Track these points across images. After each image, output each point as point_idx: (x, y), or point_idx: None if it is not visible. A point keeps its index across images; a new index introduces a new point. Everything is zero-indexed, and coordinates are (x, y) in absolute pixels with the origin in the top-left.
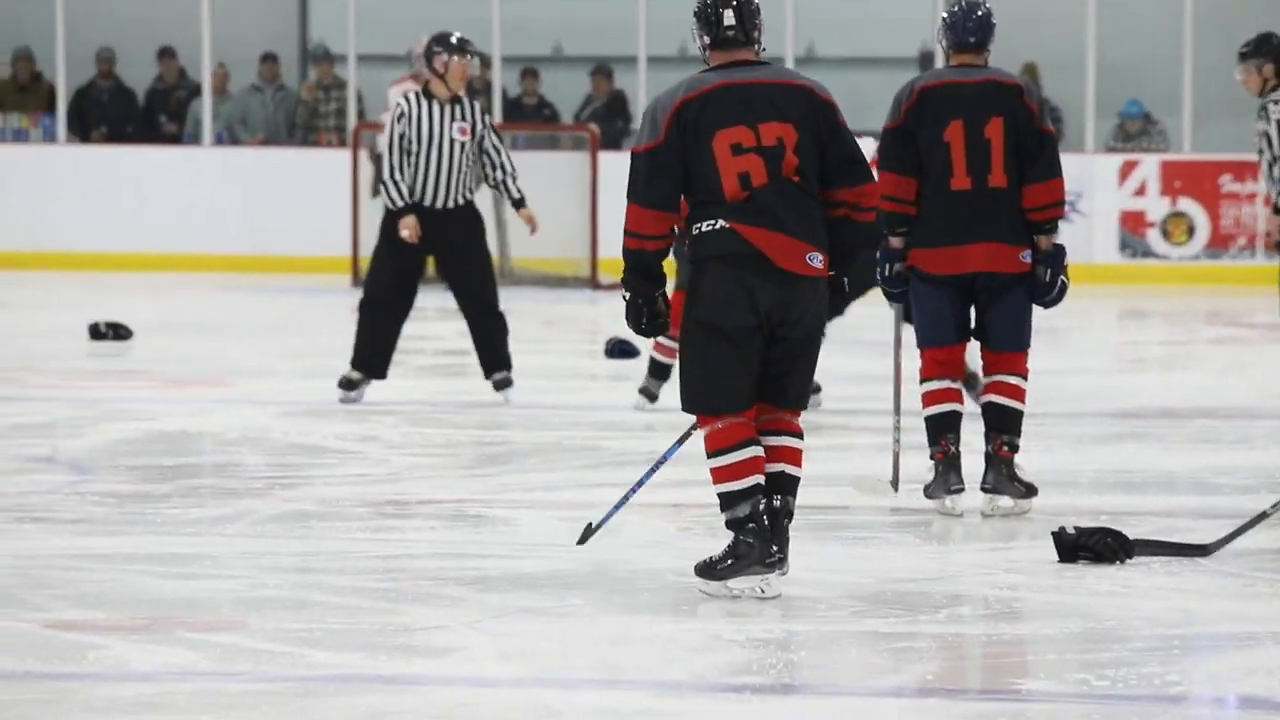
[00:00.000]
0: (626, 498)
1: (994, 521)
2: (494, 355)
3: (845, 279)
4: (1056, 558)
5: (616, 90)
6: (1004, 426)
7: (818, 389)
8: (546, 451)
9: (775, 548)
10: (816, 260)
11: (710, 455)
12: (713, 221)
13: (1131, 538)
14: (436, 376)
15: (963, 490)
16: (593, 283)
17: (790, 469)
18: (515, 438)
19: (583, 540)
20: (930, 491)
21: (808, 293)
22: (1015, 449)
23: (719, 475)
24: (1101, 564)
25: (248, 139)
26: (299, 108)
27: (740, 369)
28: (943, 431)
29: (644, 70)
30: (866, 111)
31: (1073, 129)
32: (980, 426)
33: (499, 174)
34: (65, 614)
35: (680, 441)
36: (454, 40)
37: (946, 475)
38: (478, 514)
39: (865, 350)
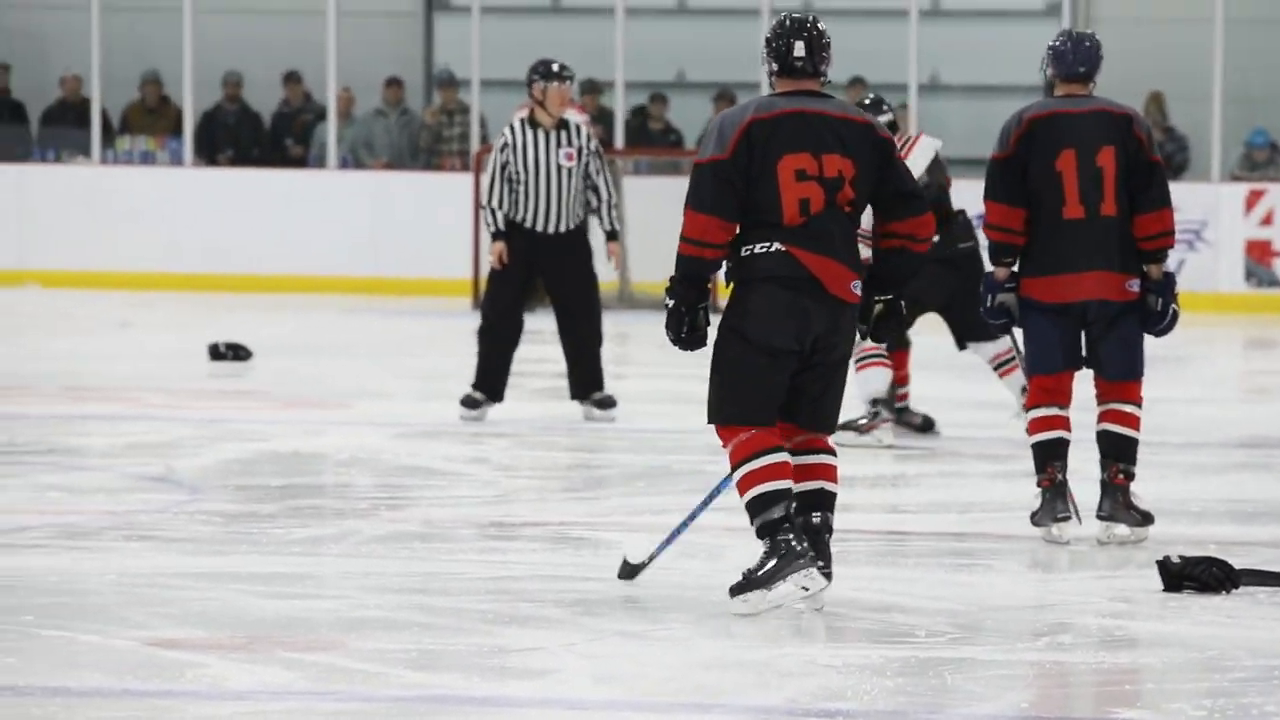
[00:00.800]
0: (675, 534)
1: (1100, 550)
2: (589, 378)
3: (890, 302)
4: (1162, 587)
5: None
6: (1119, 454)
7: (931, 423)
8: (654, 476)
9: (814, 551)
10: (858, 288)
11: (739, 464)
12: (767, 244)
13: (1238, 568)
14: (549, 399)
15: (1069, 518)
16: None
17: (829, 485)
18: (623, 461)
19: (629, 575)
20: (1037, 519)
21: (848, 321)
22: (1131, 476)
23: (749, 481)
24: (1207, 594)
25: (372, 163)
26: (423, 132)
27: (775, 387)
28: (1050, 459)
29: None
30: (992, 139)
31: (1199, 158)
32: (1094, 454)
33: (596, 200)
34: (166, 632)
35: (729, 479)
36: (551, 67)
37: (1053, 503)
38: (580, 537)
39: (980, 377)
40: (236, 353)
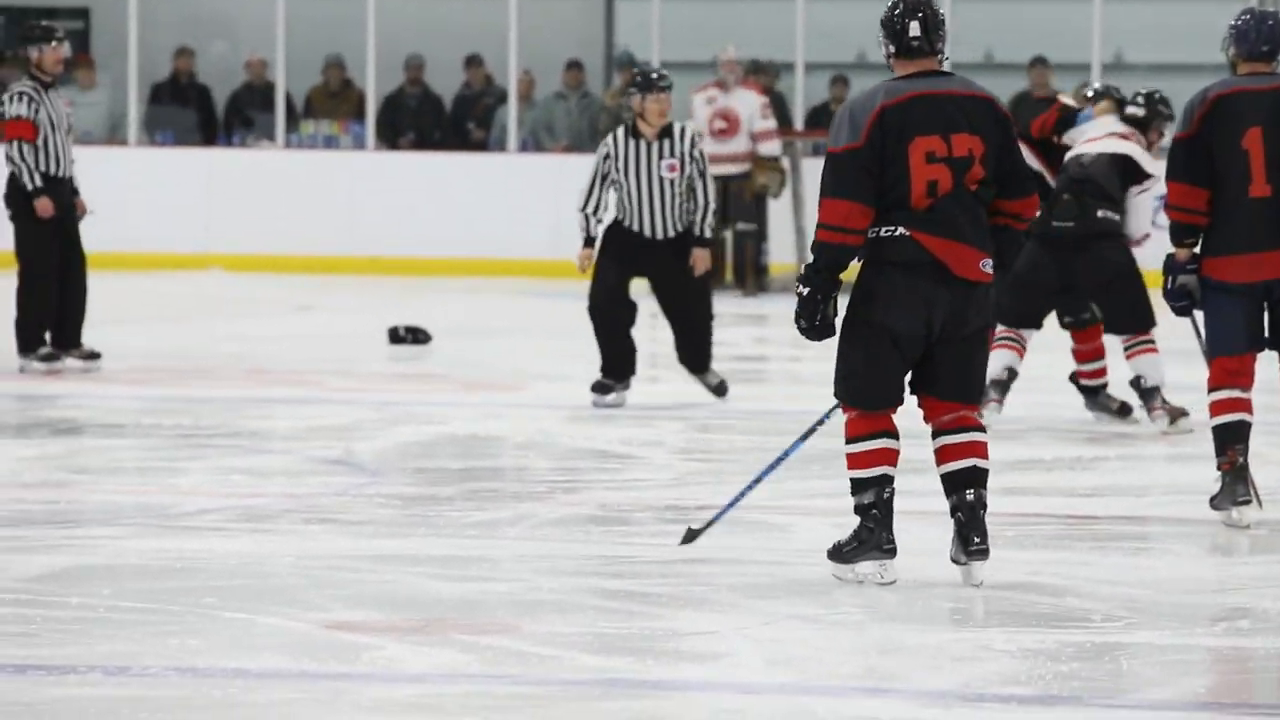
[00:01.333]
0: (739, 498)
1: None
2: (697, 358)
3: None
4: None
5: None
6: None
7: (1129, 409)
8: (829, 459)
9: (890, 537)
10: (988, 266)
11: (847, 442)
12: (892, 228)
13: None
14: (729, 382)
15: (1250, 501)
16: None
17: (981, 462)
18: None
19: (687, 540)
20: (1217, 503)
21: (980, 296)
22: None
23: (853, 462)
24: None
25: (552, 146)
26: (603, 115)
27: (899, 371)
28: (1231, 441)
29: None
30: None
31: None
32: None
33: (694, 207)
34: (342, 614)
35: (804, 438)
36: (649, 77)
37: (1234, 486)
38: (756, 520)
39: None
40: (416, 336)
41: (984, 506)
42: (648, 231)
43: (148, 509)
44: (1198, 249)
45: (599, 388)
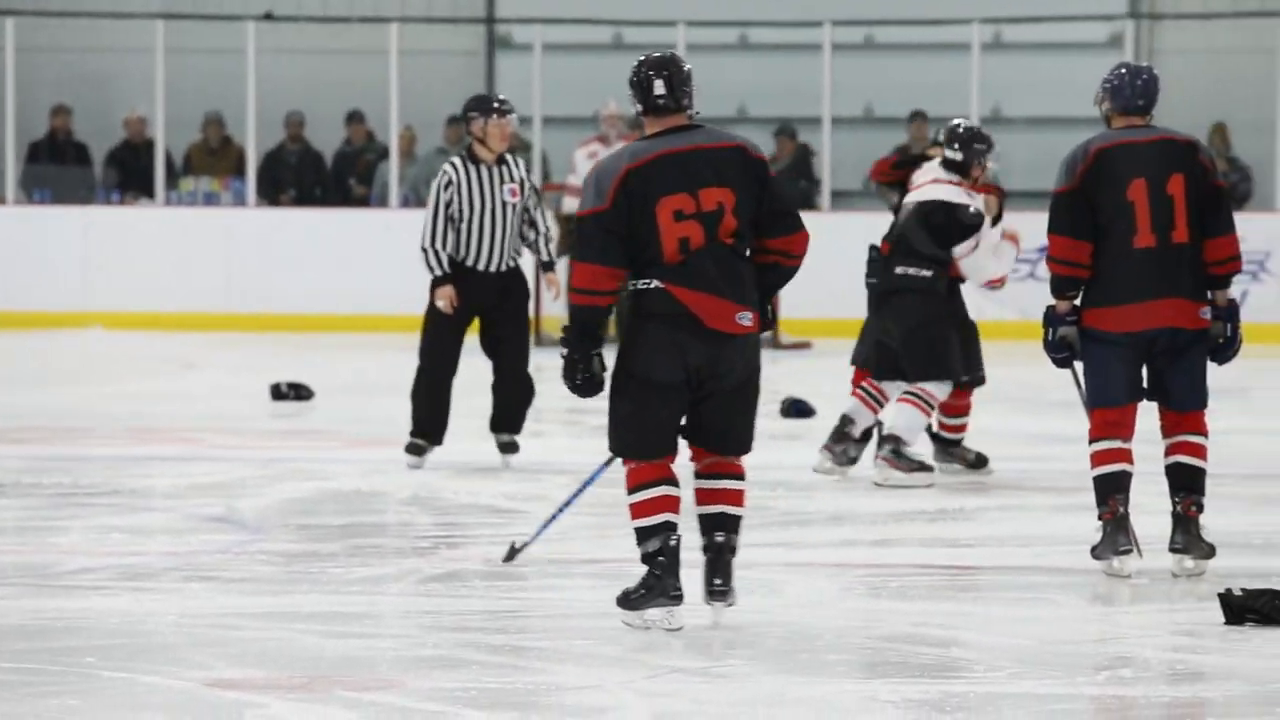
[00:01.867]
0: (553, 518)
1: (1161, 583)
2: (509, 417)
3: (768, 316)
4: (1224, 620)
5: (801, 147)
6: (1192, 486)
7: (984, 460)
8: None
9: (678, 583)
10: (746, 319)
11: (629, 492)
12: (648, 281)
13: None
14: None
15: (1131, 551)
16: (774, 342)
17: (731, 509)
18: (687, 497)
19: (509, 558)
20: (1098, 552)
21: (738, 349)
22: (1202, 509)
23: (634, 511)
24: (1269, 626)
25: None
26: None
27: (666, 420)
28: (1112, 491)
29: (828, 131)
30: (1054, 172)
31: (1262, 189)
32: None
33: (534, 234)
34: (225, 673)
35: (604, 467)
36: (490, 102)
37: (1114, 536)
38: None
39: (1045, 410)
40: (298, 392)
41: (732, 550)
42: (483, 264)
43: (27, 568)
44: (1078, 300)
45: (415, 449)
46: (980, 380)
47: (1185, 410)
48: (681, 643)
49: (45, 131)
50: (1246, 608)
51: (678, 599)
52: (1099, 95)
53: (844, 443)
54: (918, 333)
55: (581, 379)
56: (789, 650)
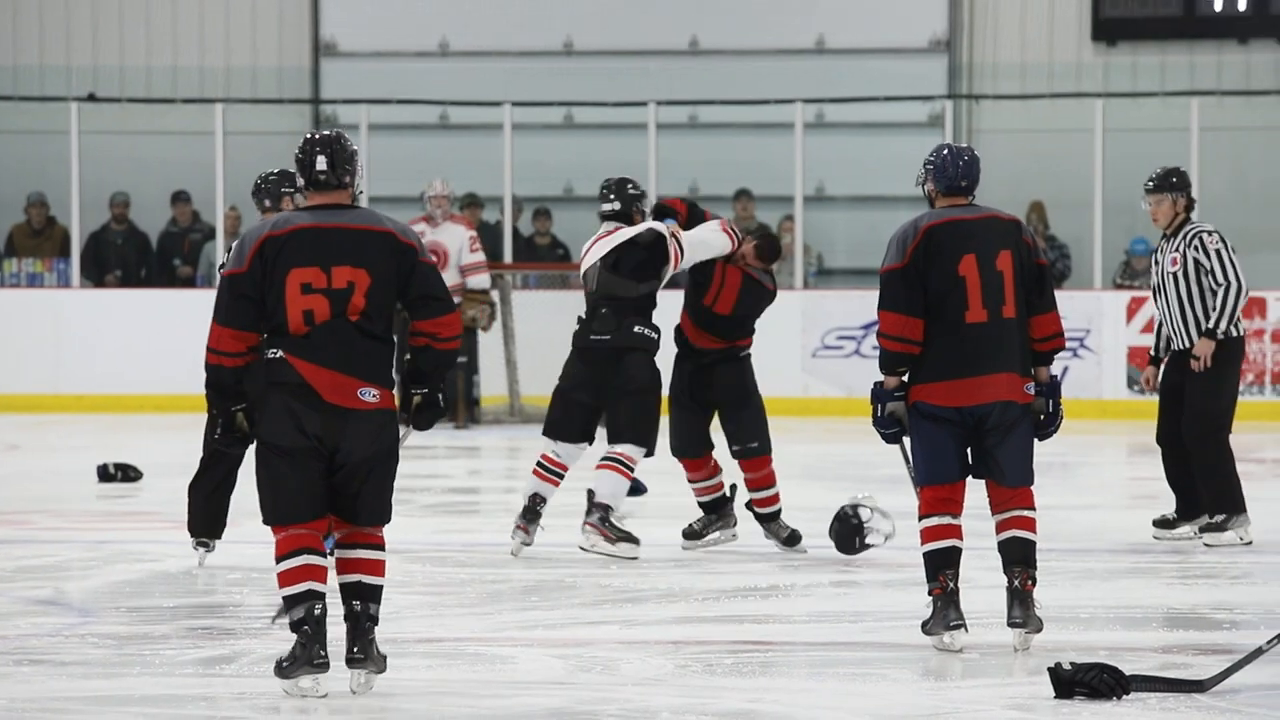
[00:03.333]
0: None
1: (993, 657)
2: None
3: (426, 394)
4: (1054, 693)
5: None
6: (1026, 559)
7: (797, 537)
8: (549, 589)
9: (322, 651)
10: (369, 395)
11: (275, 561)
12: (275, 350)
13: (1128, 673)
14: (441, 515)
15: (961, 625)
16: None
17: (367, 578)
18: (518, 576)
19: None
20: (929, 628)
21: (361, 423)
22: (1036, 582)
23: (279, 580)
24: (1098, 699)
25: None
26: None
27: (298, 485)
28: (942, 567)
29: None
30: (878, 250)
31: (1080, 267)
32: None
33: None
34: None
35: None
36: (297, 180)
37: (945, 611)
38: (476, 652)
39: (871, 486)
40: (126, 473)
41: (370, 619)
42: None
43: None
44: (905, 377)
45: (205, 544)
46: (756, 450)
47: (1015, 485)
48: None
49: None
50: (1076, 681)
51: (321, 667)
52: (921, 176)
53: (535, 521)
54: (636, 396)
55: (221, 434)
56: None
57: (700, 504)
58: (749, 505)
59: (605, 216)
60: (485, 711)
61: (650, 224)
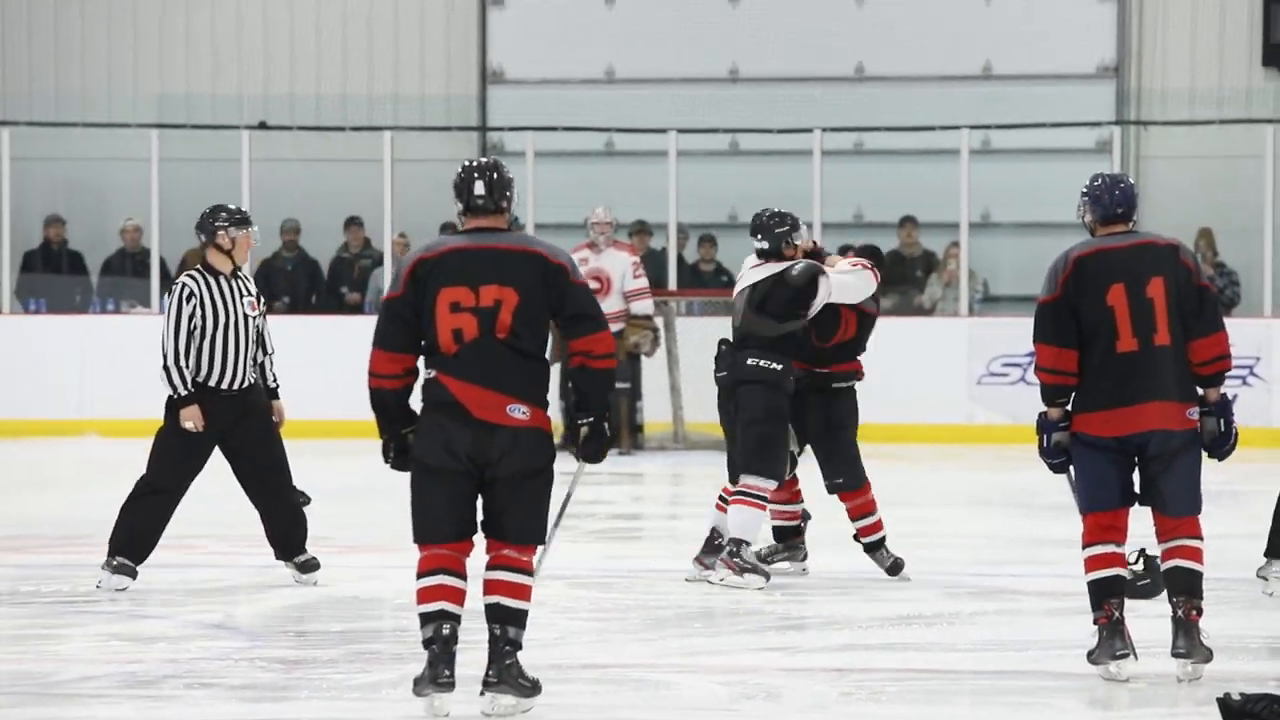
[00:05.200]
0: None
1: (1160, 687)
2: (289, 542)
3: (593, 424)
4: None
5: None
6: (1192, 589)
7: (900, 565)
8: (712, 615)
9: (447, 671)
10: (518, 411)
11: (415, 578)
12: (429, 371)
13: None
14: (607, 540)
15: (1128, 655)
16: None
17: (506, 601)
18: (682, 601)
19: None
20: (1095, 657)
21: (510, 439)
22: (1202, 612)
23: (417, 597)
24: None
25: None
26: None
27: (441, 506)
28: (1106, 596)
29: (820, 236)
30: (1041, 276)
31: (1250, 294)
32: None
33: (262, 353)
34: None
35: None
36: (236, 214)
37: (1111, 640)
38: (640, 678)
39: (1038, 514)
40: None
41: (509, 643)
42: (226, 382)
43: (27, 677)
44: (1069, 406)
45: (124, 569)
46: (842, 486)
47: (1180, 515)
48: None
49: (40, 241)
50: (1245, 712)
51: (444, 686)
52: (1080, 207)
53: (715, 554)
54: (753, 428)
55: (393, 455)
56: None
57: (774, 528)
58: (855, 536)
59: (758, 253)
60: None
61: (805, 262)
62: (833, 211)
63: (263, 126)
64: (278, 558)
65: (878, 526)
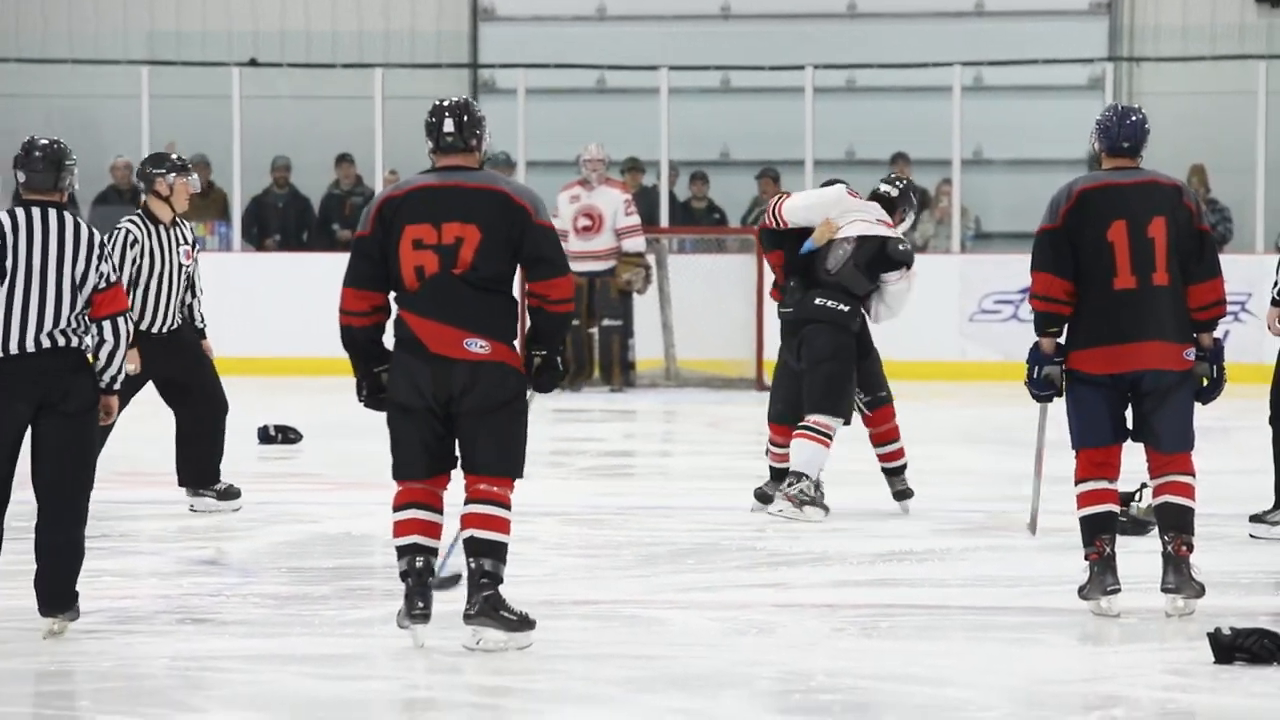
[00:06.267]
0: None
1: (1151, 622)
2: (203, 472)
3: (545, 356)
4: (1213, 659)
5: (783, 193)
6: (1181, 526)
7: (909, 493)
8: (704, 552)
9: (422, 603)
10: (476, 345)
11: (391, 512)
12: (396, 310)
13: None
14: (599, 477)
15: (1118, 590)
16: (759, 383)
17: (481, 533)
18: (674, 538)
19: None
20: (1086, 592)
21: (468, 373)
22: (1192, 548)
23: (392, 531)
24: (1258, 665)
25: None
26: None
27: (416, 442)
28: (1098, 532)
29: (810, 173)
30: (1036, 214)
31: (1242, 230)
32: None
33: (190, 295)
34: (219, 715)
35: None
36: (177, 160)
37: (1103, 576)
38: (631, 614)
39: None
40: (286, 435)
41: (485, 575)
42: (158, 325)
43: (18, 612)
44: (1062, 340)
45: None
46: (885, 399)
47: (1172, 451)
48: (678, 684)
49: None
50: (1236, 646)
51: (420, 618)
52: (1092, 134)
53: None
54: (822, 366)
55: (366, 394)
56: (783, 690)
57: (774, 469)
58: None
59: (878, 196)
60: (641, 673)
61: (901, 238)
62: (825, 149)
63: (253, 64)
64: (182, 484)
65: (901, 452)
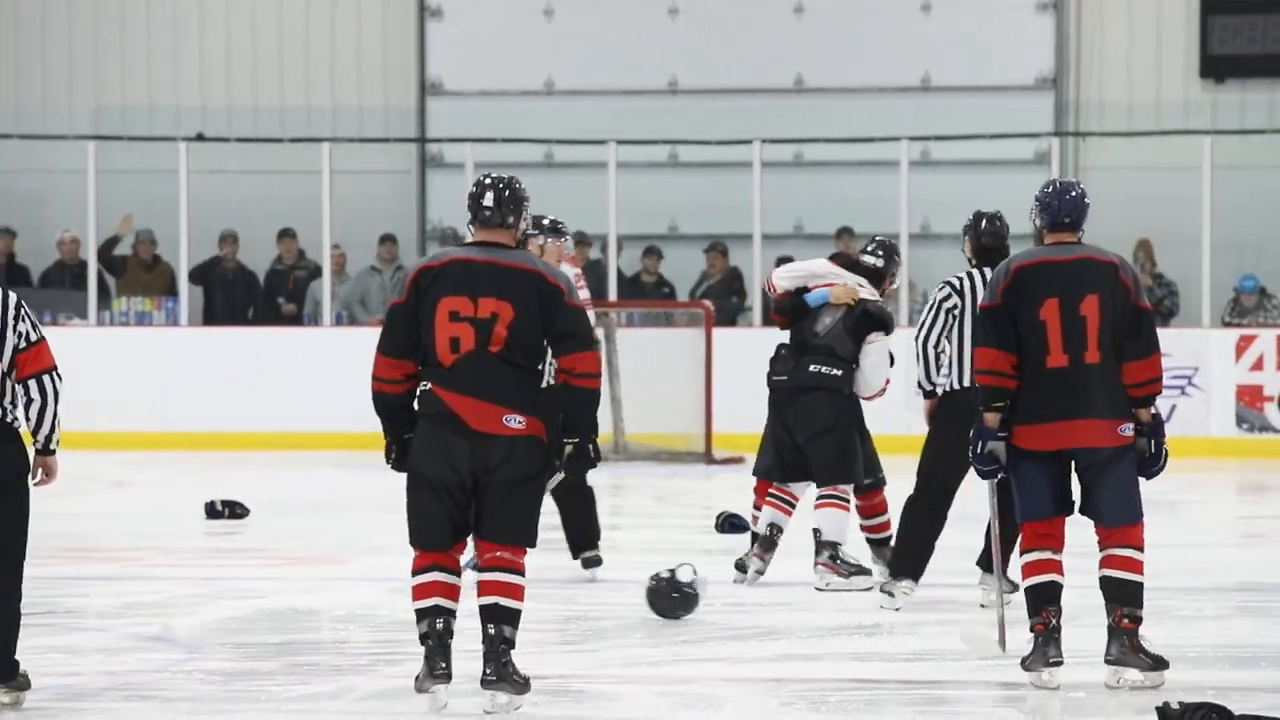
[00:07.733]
0: None
1: (1096, 696)
2: None
3: (578, 445)
4: None
5: (732, 267)
6: (1122, 598)
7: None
8: (651, 626)
9: (444, 663)
10: (514, 421)
11: (411, 575)
12: (426, 384)
13: (1236, 714)
14: (547, 551)
15: (1060, 663)
16: (707, 458)
17: (504, 601)
18: (622, 612)
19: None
20: (1028, 664)
21: (507, 448)
22: (1138, 620)
23: (411, 594)
24: None
25: (366, 319)
26: None
27: (437, 515)
28: (1044, 603)
29: (759, 247)
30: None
31: (1189, 304)
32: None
33: None
34: None
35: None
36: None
37: (1045, 648)
38: (579, 689)
39: (977, 526)
40: (233, 510)
41: (504, 642)
42: None
43: None
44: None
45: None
46: (882, 481)
47: (1113, 525)
48: None
49: None
50: None
51: (442, 678)
52: (1033, 210)
53: (773, 551)
54: (825, 436)
55: (394, 458)
56: None
57: (754, 534)
58: (862, 529)
59: (862, 268)
60: None
61: (878, 299)
62: (773, 222)
63: (200, 138)
64: None
65: (889, 524)
